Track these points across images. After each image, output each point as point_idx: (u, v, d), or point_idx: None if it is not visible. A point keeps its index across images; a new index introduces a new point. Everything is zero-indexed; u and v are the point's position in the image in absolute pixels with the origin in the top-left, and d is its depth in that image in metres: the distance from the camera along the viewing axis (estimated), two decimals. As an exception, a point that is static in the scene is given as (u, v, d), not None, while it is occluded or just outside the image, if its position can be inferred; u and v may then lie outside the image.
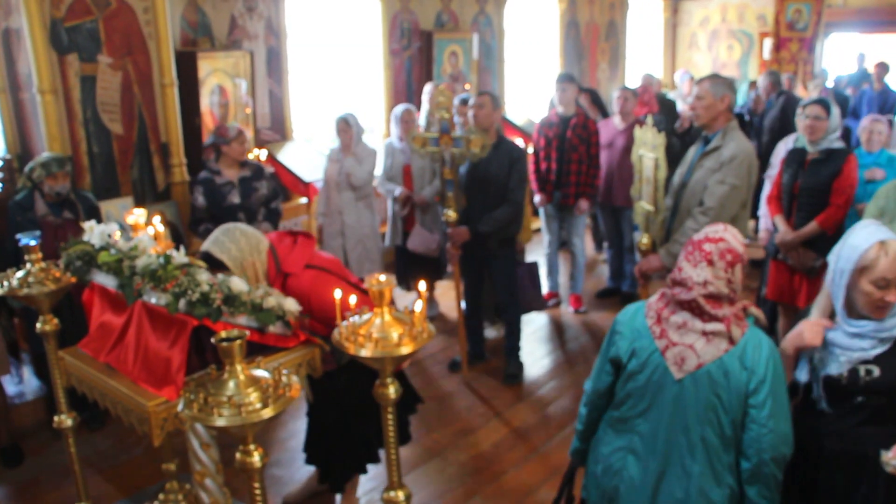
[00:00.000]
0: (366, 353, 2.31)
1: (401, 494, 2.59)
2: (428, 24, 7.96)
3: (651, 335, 2.35)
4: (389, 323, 2.35)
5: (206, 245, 2.94)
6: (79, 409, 4.02)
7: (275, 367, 2.11)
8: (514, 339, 5.26)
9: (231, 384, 2.01)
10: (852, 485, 2.38)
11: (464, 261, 5.09)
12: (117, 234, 2.77)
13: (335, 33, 7.51)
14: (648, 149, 3.75)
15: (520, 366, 5.25)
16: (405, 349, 2.32)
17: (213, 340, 2.01)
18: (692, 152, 3.88)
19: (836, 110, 4.42)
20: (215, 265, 2.90)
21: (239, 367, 2.02)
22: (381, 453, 3.79)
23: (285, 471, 4.10)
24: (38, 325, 3.07)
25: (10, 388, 4.65)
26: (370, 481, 3.93)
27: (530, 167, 6.06)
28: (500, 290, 5.19)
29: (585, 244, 6.47)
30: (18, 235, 3.07)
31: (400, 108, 5.89)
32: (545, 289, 6.59)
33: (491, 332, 5.86)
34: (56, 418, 3.23)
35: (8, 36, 4.75)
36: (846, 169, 4.38)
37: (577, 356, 5.56)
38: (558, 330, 6.10)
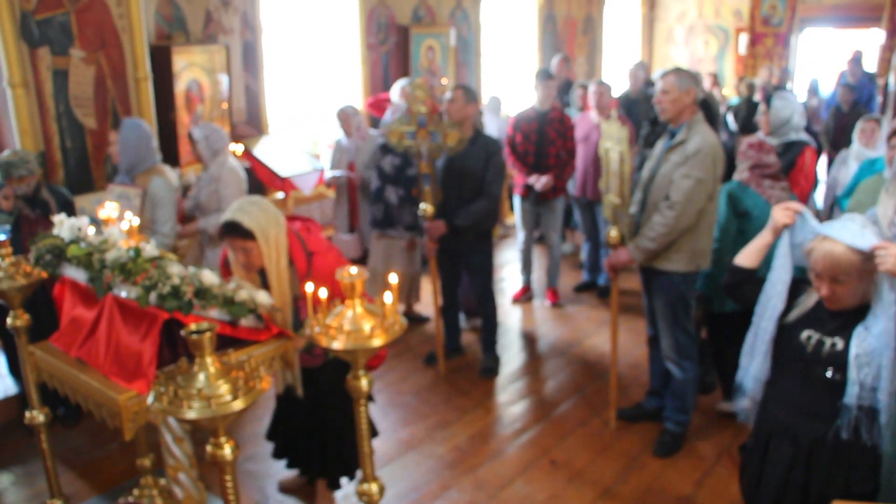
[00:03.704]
0: (338, 345, 2.32)
1: (374, 487, 2.60)
2: (405, 19, 7.96)
3: None
4: (361, 315, 2.36)
5: (231, 214, 2.85)
6: (53, 405, 4.01)
7: (244, 360, 2.10)
8: (490, 333, 5.28)
9: (201, 377, 2.01)
10: (792, 462, 2.47)
11: (440, 255, 5.10)
12: (88, 228, 2.75)
13: (311, 28, 7.49)
14: (614, 142, 3.78)
15: (496, 359, 5.27)
16: (377, 341, 2.33)
17: (182, 333, 2.01)
18: (659, 146, 3.92)
19: (780, 105, 4.52)
20: (239, 234, 2.86)
21: (209, 360, 2.02)
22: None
23: (260, 465, 4.10)
24: (9, 321, 3.05)
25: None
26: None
27: (510, 158, 6.11)
28: (476, 284, 5.21)
29: (561, 239, 6.52)
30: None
31: (341, 107, 5.94)
32: (519, 284, 6.64)
33: (467, 326, 5.88)
34: (28, 414, 3.21)
35: (-23, 29, 4.69)
36: (800, 161, 4.48)
37: (553, 350, 5.60)
38: (535, 324, 6.14)
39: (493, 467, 4.08)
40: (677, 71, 3.83)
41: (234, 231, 2.81)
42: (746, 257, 2.68)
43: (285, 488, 3.89)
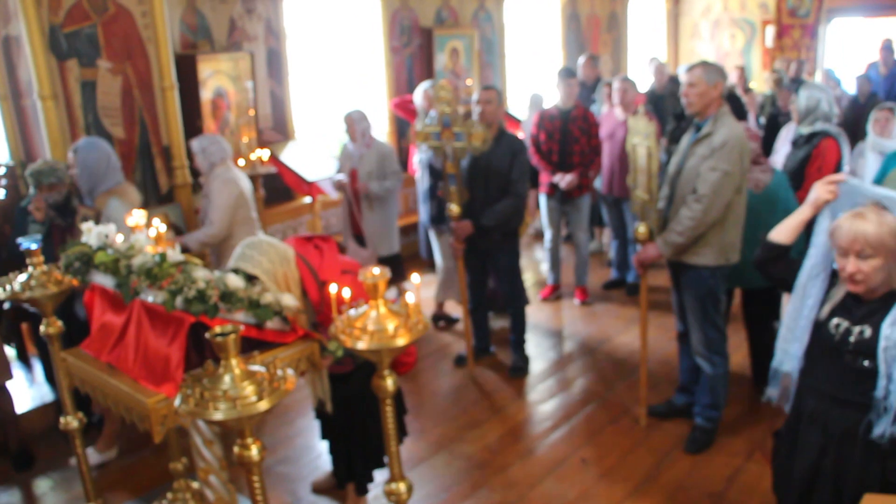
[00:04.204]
0: (362, 345, 2.32)
1: (402, 486, 2.61)
2: (428, 21, 7.97)
3: None
4: (385, 315, 2.36)
5: (235, 262, 2.86)
6: (89, 411, 4.08)
7: (269, 361, 2.12)
8: (519, 332, 5.26)
9: (226, 378, 2.02)
10: (823, 450, 2.43)
11: (467, 255, 5.10)
12: (116, 235, 2.79)
13: (335, 32, 7.53)
14: (641, 138, 3.74)
15: (525, 359, 5.25)
16: (401, 340, 2.33)
17: (206, 336, 2.03)
18: (685, 141, 3.87)
19: (808, 93, 4.44)
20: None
21: (234, 362, 2.04)
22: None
23: (293, 468, 4.13)
24: (42, 328, 3.10)
25: (22, 394, 4.69)
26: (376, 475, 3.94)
27: (534, 157, 6.10)
28: (503, 283, 5.20)
29: (588, 237, 6.48)
30: (19, 239, 3.09)
31: (348, 111, 5.91)
32: (546, 283, 6.61)
33: (496, 325, 5.86)
34: (62, 420, 3.25)
35: (8, 43, 4.79)
36: (815, 153, 4.39)
37: (583, 348, 5.56)
38: (564, 323, 6.10)
39: (523, 466, 4.06)
40: (704, 64, 3.79)
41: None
42: (782, 233, 2.62)
43: (318, 489, 3.91)
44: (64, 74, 4.75)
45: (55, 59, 4.69)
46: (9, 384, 4.25)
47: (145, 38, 5.06)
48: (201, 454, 2.87)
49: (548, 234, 6.42)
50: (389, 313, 2.38)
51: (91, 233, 2.73)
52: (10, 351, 4.93)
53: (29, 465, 4.26)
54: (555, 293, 6.54)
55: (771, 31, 10.61)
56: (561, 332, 5.92)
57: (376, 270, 2.39)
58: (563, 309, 6.36)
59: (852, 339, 2.31)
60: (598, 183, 6.46)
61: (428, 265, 7.32)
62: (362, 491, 3.56)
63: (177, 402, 2.03)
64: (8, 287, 3.00)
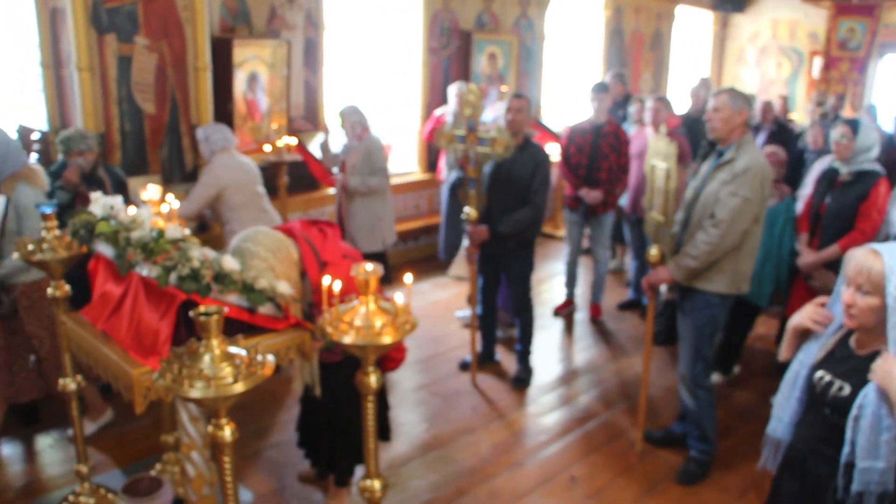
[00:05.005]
0: (348, 340, 2.34)
1: (377, 483, 2.61)
2: (468, 25, 7.99)
3: None
4: (374, 312, 2.38)
5: (228, 261, 2.77)
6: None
7: (251, 346, 2.14)
8: (525, 343, 5.25)
9: (206, 358, 2.05)
10: (798, 500, 2.39)
11: (482, 260, 5.10)
12: (125, 208, 2.85)
13: (374, 28, 7.58)
14: (661, 158, 3.70)
15: (529, 371, 5.23)
16: (387, 338, 2.34)
17: (190, 314, 2.06)
18: (705, 166, 3.83)
19: (866, 132, 4.30)
20: None
21: (215, 342, 2.06)
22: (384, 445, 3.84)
23: (283, 454, 4.16)
24: (49, 291, 3.17)
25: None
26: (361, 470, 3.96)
27: (562, 169, 6.09)
28: (515, 291, 5.19)
29: (608, 254, 6.44)
30: (35, 203, 3.17)
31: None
32: (562, 297, 6.58)
33: (504, 334, 5.85)
34: (61, 381, 3.33)
35: (55, 15, 4.91)
36: (873, 193, 4.26)
37: (589, 365, 5.52)
38: (574, 338, 6.06)
39: (511, 478, 4.04)
40: (731, 90, 3.74)
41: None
42: (784, 353, 2.55)
43: (304, 479, 3.94)
44: (102, 48, 4.85)
45: (95, 32, 4.79)
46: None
47: (183, 19, 5.15)
48: (186, 430, 2.92)
49: (567, 249, 6.39)
50: (378, 310, 2.40)
51: (98, 202, 2.78)
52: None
53: (34, 420, 4.38)
54: (568, 308, 6.50)
55: (818, 62, 10.43)
56: (570, 347, 5.88)
57: (369, 266, 2.41)
58: (575, 324, 6.32)
59: (830, 393, 2.27)
60: (623, 201, 6.41)
61: (445, 266, 7.36)
62: (341, 483, 3.58)
63: (154, 375, 2.06)
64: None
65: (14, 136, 5.04)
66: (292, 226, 3.12)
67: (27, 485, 3.85)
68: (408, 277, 2.47)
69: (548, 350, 5.75)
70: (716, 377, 5.22)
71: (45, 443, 4.25)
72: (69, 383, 3.32)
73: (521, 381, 5.16)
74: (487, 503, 3.81)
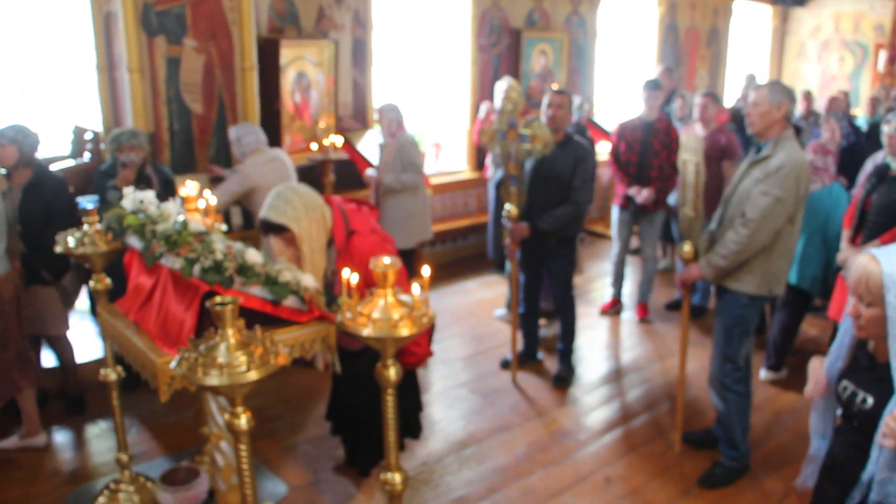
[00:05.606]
0: (367, 332, 2.36)
1: (397, 476, 2.63)
2: (518, 23, 7.95)
3: None
4: (392, 304, 2.39)
5: (264, 212, 3.02)
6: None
7: (265, 334, 2.18)
8: (567, 341, 5.19)
9: (222, 347, 2.10)
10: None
11: (523, 258, 5.07)
12: (156, 203, 2.93)
13: (423, 27, 7.62)
14: (690, 154, 3.61)
15: (570, 370, 5.17)
16: (404, 331, 2.35)
17: (206, 304, 2.11)
18: (745, 161, 3.72)
19: None
20: (272, 230, 3.02)
21: (230, 332, 2.11)
22: (406, 440, 3.86)
23: (318, 447, 4.20)
24: (91, 283, 3.29)
25: (89, 345, 4.99)
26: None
27: (612, 167, 6.02)
28: (556, 289, 5.14)
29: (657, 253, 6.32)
30: (78, 199, 3.29)
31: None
32: (608, 296, 6.49)
33: (547, 332, 5.80)
34: (102, 371, 3.44)
35: (108, 19, 5.09)
36: None
37: (633, 365, 5.43)
38: (620, 337, 5.97)
39: (545, 477, 4.00)
40: (772, 84, 3.62)
41: (268, 228, 3.01)
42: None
43: (340, 470, 3.98)
44: (152, 50, 5.01)
45: (145, 35, 4.95)
46: (68, 334, 4.52)
47: (230, 21, 5.27)
48: (215, 420, 2.99)
49: (615, 248, 6.30)
50: (397, 303, 2.41)
51: (128, 197, 2.87)
52: (84, 304, 5.26)
53: (81, 411, 4.54)
54: (615, 307, 6.41)
55: (884, 55, 10.00)
56: (614, 347, 5.80)
57: (387, 260, 2.42)
58: (620, 324, 6.22)
59: (856, 404, 2.18)
60: (673, 199, 6.29)
61: (493, 265, 7.34)
62: (364, 472, 3.61)
63: (172, 363, 2.12)
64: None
65: (69, 136, 5.28)
66: (333, 197, 3.26)
67: (74, 471, 4.00)
68: (425, 270, 2.47)
69: (592, 349, 5.67)
70: (764, 374, 5.09)
71: (94, 432, 4.41)
72: (109, 373, 3.43)
73: (563, 380, 5.10)
74: (519, 501, 3.78)
